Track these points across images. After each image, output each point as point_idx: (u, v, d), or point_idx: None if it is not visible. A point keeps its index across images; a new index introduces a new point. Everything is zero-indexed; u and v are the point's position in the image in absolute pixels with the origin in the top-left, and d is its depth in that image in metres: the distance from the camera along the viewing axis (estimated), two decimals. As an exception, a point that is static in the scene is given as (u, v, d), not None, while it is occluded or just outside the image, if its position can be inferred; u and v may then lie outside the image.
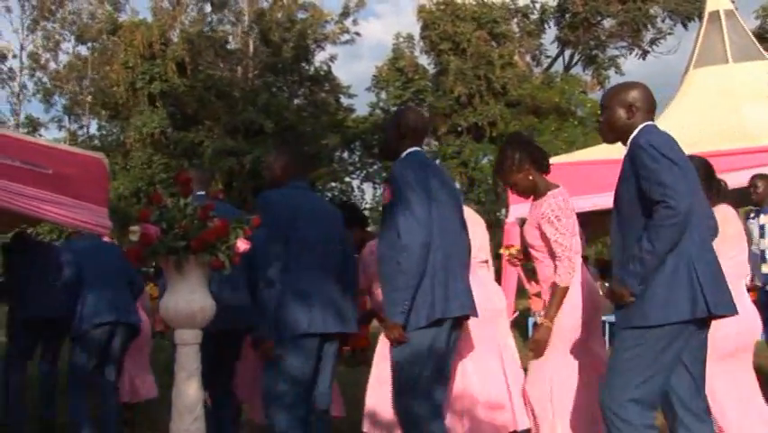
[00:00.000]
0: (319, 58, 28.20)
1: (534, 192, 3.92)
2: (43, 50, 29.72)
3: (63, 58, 30.14)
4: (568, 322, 3.70)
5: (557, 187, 3.84)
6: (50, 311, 5.54)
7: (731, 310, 3.09)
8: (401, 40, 27.40)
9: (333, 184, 29.20)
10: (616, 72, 26.76)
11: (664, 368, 3.04)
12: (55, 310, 5.47)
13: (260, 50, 26.29)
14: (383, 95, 28.39)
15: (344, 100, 29.66)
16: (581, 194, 4.26)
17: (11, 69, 29.58)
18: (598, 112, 3.59)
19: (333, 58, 27.98)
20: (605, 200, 5.59)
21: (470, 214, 4.23)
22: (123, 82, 23.80)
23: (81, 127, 30.01)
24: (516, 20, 27.14)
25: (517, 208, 9.40)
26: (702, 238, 3.11)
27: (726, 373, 3.76)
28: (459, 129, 24.84)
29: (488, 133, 24.30)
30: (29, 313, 5.66)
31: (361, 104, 35.51)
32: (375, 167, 29.46)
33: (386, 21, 51.96)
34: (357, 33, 28.84)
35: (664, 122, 6.44)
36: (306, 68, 27.54)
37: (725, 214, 3.74)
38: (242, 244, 3.35)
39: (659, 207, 2.93)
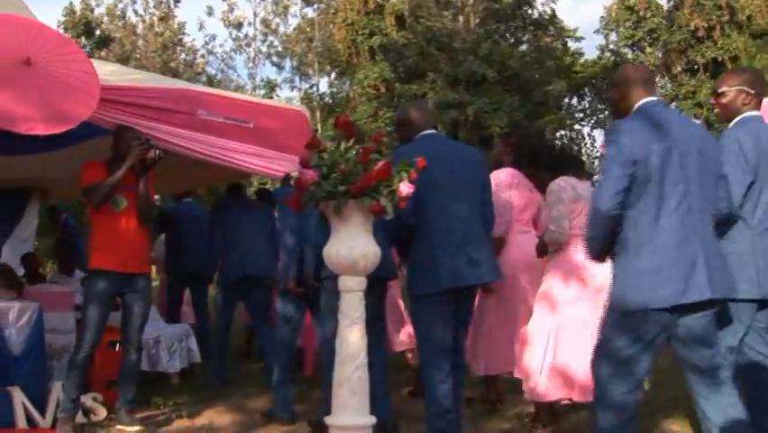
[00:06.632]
0: (542, 1, 27.23)
1: None
2: (274, 16, 31.51)
3: (292, 21, 31.85)
4: None
5: None
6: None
7: (467, 281, 3.79)
8: (631, -25, 25.72)
9: (562, 132, 28.33)
10: None
11: (439, 329, 3.74)
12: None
13: (479, -3, 25.86)
14: (613, 36, 26.99)
15: (571, 44, 28.57)
16: None
17: (246, 36, 31.69)
18: None
19: (555, -1, 26.88)
20: None
21: None
22: (344, 39, 24.52)
23: (312, 86, 31.50)
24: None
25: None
26: (447, 227, 3.76)
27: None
28: (695, 66, 22.90)
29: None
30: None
31: (590, 47, 33.95)
32: (606, 113, 28.20)
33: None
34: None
35: None
36: (529, 12, 26.71)
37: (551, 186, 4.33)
38: (406, 188, 3.19)
39: None
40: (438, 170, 3.63)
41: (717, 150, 3.20)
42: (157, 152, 4.65)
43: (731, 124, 3.57)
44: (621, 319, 3.04)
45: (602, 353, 3.12)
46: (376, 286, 4.02)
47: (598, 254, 3.22)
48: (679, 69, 23.60)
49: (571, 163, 4.59)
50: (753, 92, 3.54)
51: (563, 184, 4.22)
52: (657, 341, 3.04)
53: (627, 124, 3.12)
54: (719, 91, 3.62)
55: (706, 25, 22.55)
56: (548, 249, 4.31)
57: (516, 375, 4.53)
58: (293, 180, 3.34)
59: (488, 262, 3.91)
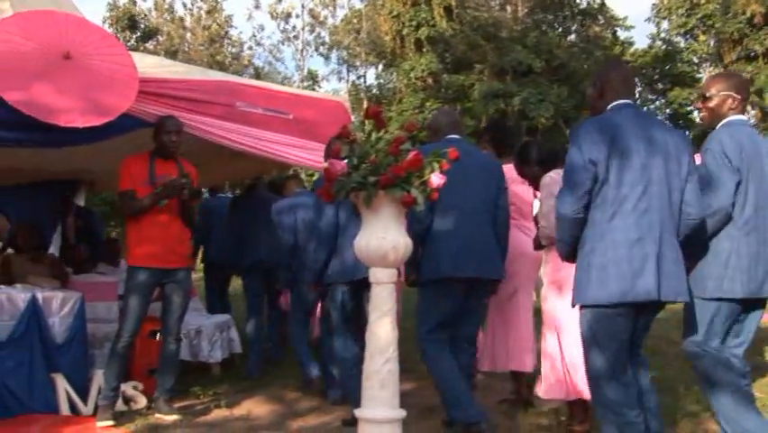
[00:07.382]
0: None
1: None
2: (322, 7, 31.60)
3: (340, 13, 31.91)
4: None
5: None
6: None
7: (467, 273, 4.04)
8: (684, -39, 25.14)
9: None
10: None
11: (441, 313, 4.11)
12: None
13: (527, -14, 25.57)
14: (665, 24, 26.44)
15: (621, 33, 28.06)
16: None
17: (294, 28, 31.84)
18: None
19: (605, -13, 26.43)
20: None
21: None
22: (390, 31, 24.48)
23: (359, 78, 31.52)
24: None
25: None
26: (454, 224, 4.03)
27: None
28: (752, 54, 22.28)
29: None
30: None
31: (641, 36, 33.33)
32: (657, 102, 27.67)
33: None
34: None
35: None
36: (578, 1, 26.32)
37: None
38: (437, 179, 3.15)
39: None
40: (453, 170, 3.58)
41: (688, 153, 3.18)
42: (185, 191, 4.70)
43: (717, 127, 3.57)
44: (584, 316, 3.16)
45: (585, 351, 3.23)
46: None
47: (567, 256, 3.31)
48: (733, 57, 22.96)
49: (559, 156, 4.52)
50: (739, 97, 3.57)
51: (555, 177, 4.15)
52: (620, 335, 3.11)
53: (590, 126, 3.17)
54: (706, 95, 3.62)
55: (763, 11, 21.90)
56: (542, 243, 4.32)
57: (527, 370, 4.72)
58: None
59: (492, 261, 4.17)
